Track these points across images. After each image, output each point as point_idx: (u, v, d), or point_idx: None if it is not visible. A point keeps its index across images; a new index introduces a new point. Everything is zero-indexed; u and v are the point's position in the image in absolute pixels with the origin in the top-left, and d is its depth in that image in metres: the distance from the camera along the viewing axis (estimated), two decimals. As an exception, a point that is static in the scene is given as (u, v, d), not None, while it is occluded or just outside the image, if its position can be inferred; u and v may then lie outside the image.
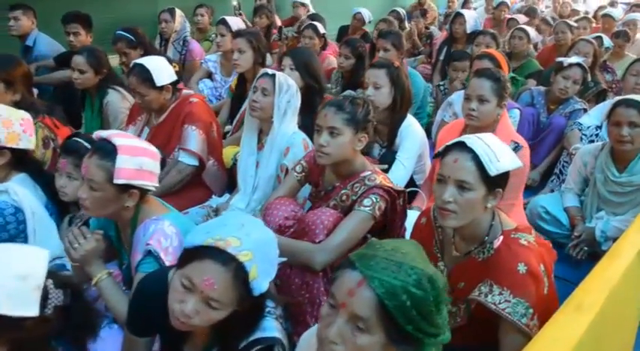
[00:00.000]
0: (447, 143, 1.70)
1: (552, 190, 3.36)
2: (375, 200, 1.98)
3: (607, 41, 4.90)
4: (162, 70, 2.81)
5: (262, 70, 2.66)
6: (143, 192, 1.82)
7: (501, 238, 1.66)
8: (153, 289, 1.49)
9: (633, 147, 2.59)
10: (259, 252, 1.30)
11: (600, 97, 4.39)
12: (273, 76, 2.58)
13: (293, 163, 2.40)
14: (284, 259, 1.49)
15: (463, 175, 1.60)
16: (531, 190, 3.54)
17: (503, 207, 2.51)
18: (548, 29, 6.61)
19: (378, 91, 2.72)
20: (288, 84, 2.60)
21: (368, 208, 1.97)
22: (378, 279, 1.07)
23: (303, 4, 6.65)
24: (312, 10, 6.65)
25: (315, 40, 4.56)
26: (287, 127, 2.58)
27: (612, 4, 10.11)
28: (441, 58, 5.19)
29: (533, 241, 1.66)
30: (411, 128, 2.79)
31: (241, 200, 2.69)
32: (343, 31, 6.62)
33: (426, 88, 3.90)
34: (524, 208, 3.05)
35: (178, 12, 4.77)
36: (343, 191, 2.08)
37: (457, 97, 3.52)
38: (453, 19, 5.12)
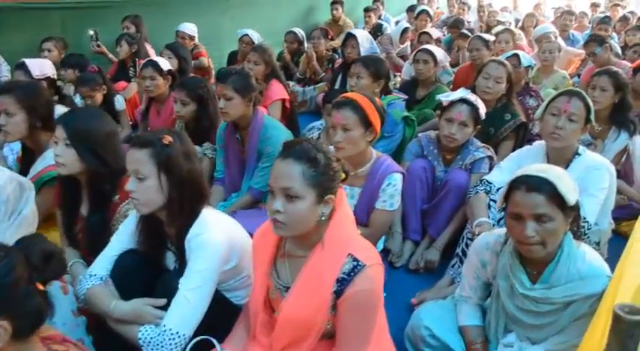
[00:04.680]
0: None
1: (452, 281, 2.42)
2: None
3: (526, 59, 4.04)
4: None
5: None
6: None
7: None
8: None
9: (546, 250, 1.64)
10: None
11: (521, 130, 3.51)
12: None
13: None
14: None
15: None
16: (429, 277, 2.58)
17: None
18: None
19: (142, 183, 1.68)
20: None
21: None
22: None
23: (190, 37, 5.52)
24: (195, 40, 5.57)
25: (159, 80, 3.52)
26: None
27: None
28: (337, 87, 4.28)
29: None
30: (201, 238, 1.69)
31: None
32: (232, 58, 5.61)
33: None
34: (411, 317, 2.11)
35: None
36: None
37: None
38: (345, 41, 4.19)
